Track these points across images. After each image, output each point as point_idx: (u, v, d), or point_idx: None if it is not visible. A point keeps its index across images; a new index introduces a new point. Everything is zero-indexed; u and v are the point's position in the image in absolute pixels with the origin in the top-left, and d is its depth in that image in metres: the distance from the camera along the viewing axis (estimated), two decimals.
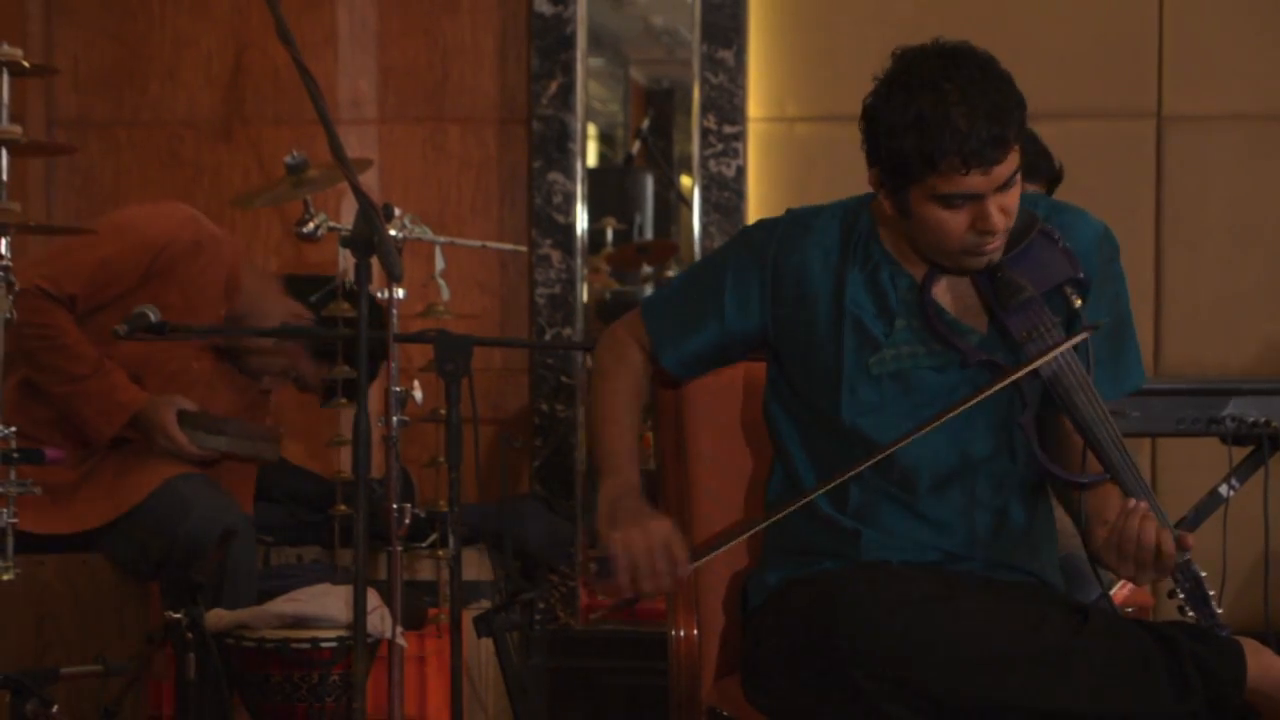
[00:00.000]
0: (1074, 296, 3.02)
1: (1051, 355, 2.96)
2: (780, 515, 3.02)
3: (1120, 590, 3.95)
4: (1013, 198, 2.95)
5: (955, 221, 2.94)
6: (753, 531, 3.06)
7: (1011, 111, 2.90)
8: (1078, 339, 2.99)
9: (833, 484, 2.99)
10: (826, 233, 3.11)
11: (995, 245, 2.97)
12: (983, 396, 2.96)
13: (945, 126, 2.86)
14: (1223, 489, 3.96)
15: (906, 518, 3.05)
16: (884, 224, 3.08)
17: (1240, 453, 4.03)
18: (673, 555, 2.96)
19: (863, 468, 2.98)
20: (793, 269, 3.09)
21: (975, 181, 2.89)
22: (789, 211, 3.17)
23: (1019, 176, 2.95)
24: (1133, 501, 2.89)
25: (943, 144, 2.86)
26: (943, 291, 3.06)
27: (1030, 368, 2.96)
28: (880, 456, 2.97)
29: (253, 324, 4.36)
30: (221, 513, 4.04)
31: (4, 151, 3.38)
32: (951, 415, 2.95)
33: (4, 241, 3.36)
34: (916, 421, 3.00)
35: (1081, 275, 3.03)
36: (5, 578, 3.35)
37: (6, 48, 3.40)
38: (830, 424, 3.06)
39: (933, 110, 2.87)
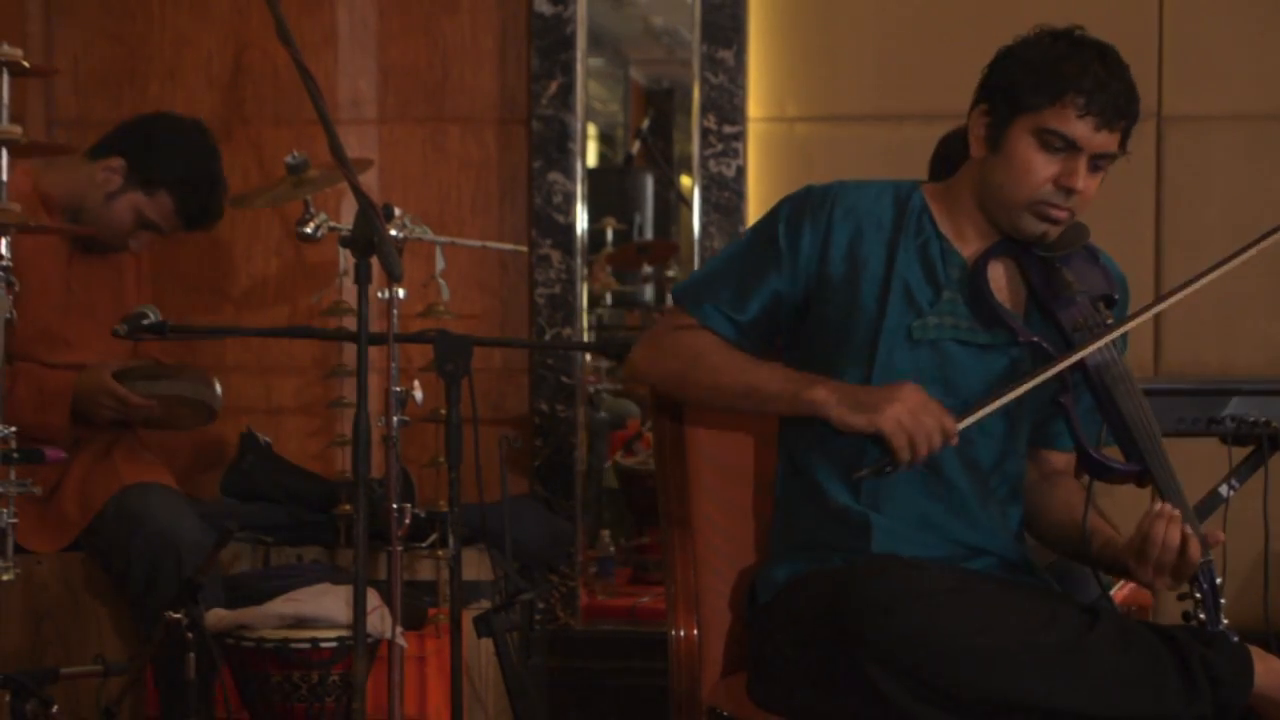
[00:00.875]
0: (1106, 314, 3.07)
1: (1107, 339, 3.00)
2: (1037, 381, 2.98)
3: (1120, 590, 3.95)
4: (1095, 184, 3.03)
5: (1045, 166, 2.99)
6: (1016, 394, 2.99)
7: (1136, 103, 3.01)
8: (1133, 323, 3.05)
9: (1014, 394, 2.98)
10: (879, 203, 3.13)
11: (1063, 214, 3.01)
12: (1039, 380, 2.98)
13: (1085, 69, 2.96)
14: (1223, 489, 3.96)
15: (928, 500, 3.05)
16: (938, 203, 3.12)
17: (1240, 453, 4.03)
18: (938, 411, 2.94)
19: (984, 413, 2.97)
20: (847, 231, 3.11)
21: (1084, 131, 2.96)
22: (838, 181, 3.18)
23: (1106, 169, 3.03)
24: (1159, 505, 2.90)
25: (1077, 81, 2.95)
26: (992, 277, 3.08)
27: (1087, 351, 2.99)
28: (975, 419, 2.98)
29: None
30: (173, 525, 4.03)
31: (4, 151, 3.38)
32: (1010, 398, 2.97)
33: (4, 241, 3.36)
34: (949, 396, 3.01)
35: (1117, 296, 3.09)
36: (4, 578, 3.35)
37: (6, 48, 3.40)
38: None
39: (1077, 54, 2.98)
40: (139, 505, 4.04)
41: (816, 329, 3.14)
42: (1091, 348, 2.98)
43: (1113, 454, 3.03)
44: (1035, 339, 3.03)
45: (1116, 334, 3.01)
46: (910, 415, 2.93)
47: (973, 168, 3.10)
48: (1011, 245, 3.10)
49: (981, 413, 2.97)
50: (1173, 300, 3.08)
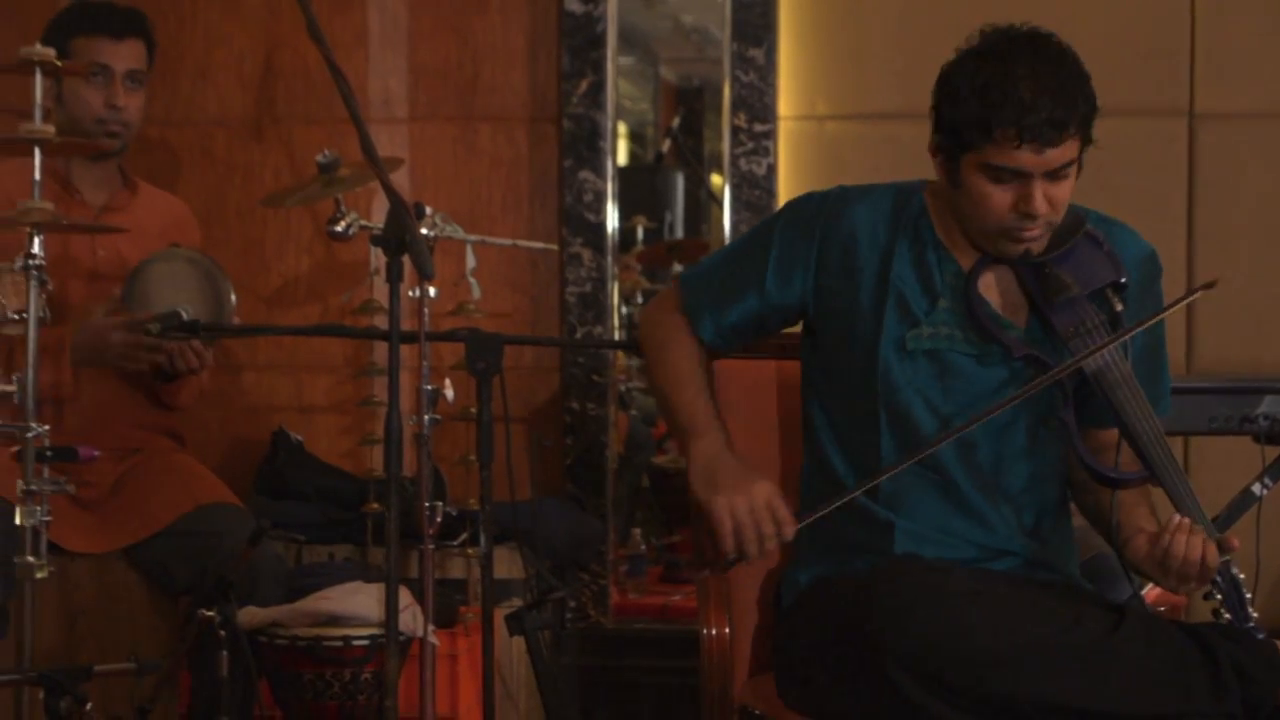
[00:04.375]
0: (1115, 299, 3.03)
1: (1100, 349, 2.97)
2: (877, 480, 2.99)
3: (1152, 590, 3.94)
4: (1062, 191, 2.96)
5: (999, 198, 2.95)
6: (852, 496, 3.00)
7: (1077, 101, 2.92)
8: (1127, 334, 3.00)
9: (907, 463, 2.98)
10: (877, 208, 3.12)
11: (1034, 233, 2.98)
12: (1032, 390, 2.96)
13: (1008, 97, 2.88)
14: (1255, 488, 3.94)
15: (943, 506, 3.05)
16: (937, 208, 3.10)
17: (1273, 451, 4.01)
18: (779, 516, 2.95)
19: (934, 447, 2.98)
20: (841, 239, 3.10)
21: (1026, 158, 2.90)
22: (840, 187, 3.17)
23: (1073, 172, 2.96)
24: (1177, 518, 2.89)
25: (1002, 113, 2.88)
26: (988, 284, 3.07)
27: (1078, 361, 2.96)
28: (929, 450, 2.97)
29: None
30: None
31: (37, 151, 3.39)
32: (1001, 409, 2.96)
33: (38, 241, 3.37)
34: (950, 404, 3.00)
35: (1124, 280, 3.04)
36: (39, 576, 3.36)
37: (39, 48, 3.41)
38: (863, 402, 3.06)
39: (999, 80, 2.90)
40: (221, 525, 4.02)
41: (821, 339, 3.15)
42: (1071, 365, 2.96)
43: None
44: (1029, 352, 3.01)
45: (1106, 346, 2.97)
46: (747, 512, 2.94)
47: (946, 195, 3.08)
48: None
49: (822, 512, 2.98)
50: (1169, 312, 3.06)
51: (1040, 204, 2.93)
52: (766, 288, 3.13)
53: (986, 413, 2.96)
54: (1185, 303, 3.07)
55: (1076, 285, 3.02)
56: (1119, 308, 3.02)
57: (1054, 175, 2.94)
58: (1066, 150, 2.93)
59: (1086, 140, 2.97)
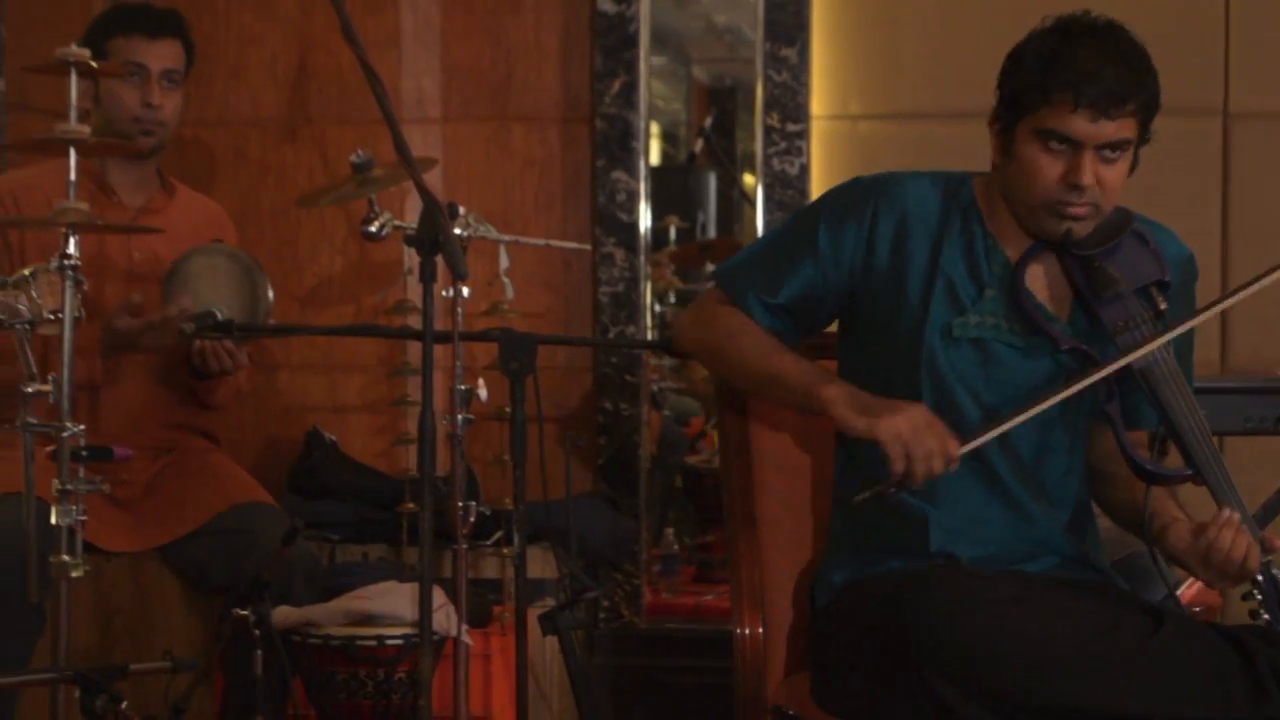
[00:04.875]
0: (1159, 297, 3.03)
1: (1153, 346, 2.96)
2: (1035, 411, 2.95)
3: (1188, 590, 3.93)
4: (1113, 173, 2.96)
5: (1050, 168, 2.95)
6: (1019, 420, 2.96)
7: (1142, 79, 2.94)
8: (1180, 330, 3.00)
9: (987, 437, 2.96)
10: (928, 196, 3.11)
11: (1080, 210, 2.97)
12: (1083, 385, 2.95)
13: (1071, 62, 2.90)
14: None
15: (984, 496, 3.04)
16: (986, 198, 3.10)
17: None
18: (941, 433, 2.91)
19: (993, 434, 2.96)
20: (892, 223, 3.09)
21: (1080, 125, 2.91)
22: (889, 173, 3.17)
23: (1126, 157, 2.96)
24: (1226, 512, 2.89)
25: (1062, 76, 2.90)
26: (1035, 277, 3.06)
27: (1133, 357, 2.95)
28: (1012, 423, 2.95)
29: None
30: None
31: (73, 151, 3.41)
32: (1051, 403, 2.95)
33: (73, 241, 3.38)
34: (993, 394, 3.00)
35: (1168, 279, 3.04)
36: (74, 575, 3.37)
37: (74, 48, 3.43)
38: (904, 390, 3.05)
39: (1065, 47, 2.92)
40: (257, 525, 4.03)
41: (865, 322, 3.14)
42: (1124, 360, 2.95)
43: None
44: (1075, 345, 3.01)
45: (1159, 343, 2.97)
46: (911, 431, 2.90)
47: (997, 174, 3.09)
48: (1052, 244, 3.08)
49: (987, 436, 2.95)
50: (1217, 309, 3.04)
51: (1088, 175, 2.93)
52: (820, 268, 3.10)
53: (1044, 402, 2.94)
54: (1262, 284, 3.02)
55: (1125, 280, 3.01)
56: (1162, 306, 3.02)
57: (1107, 152, 2.94)
58: (1122, 127, 2.93)
59: (1144, 129, 2.98)
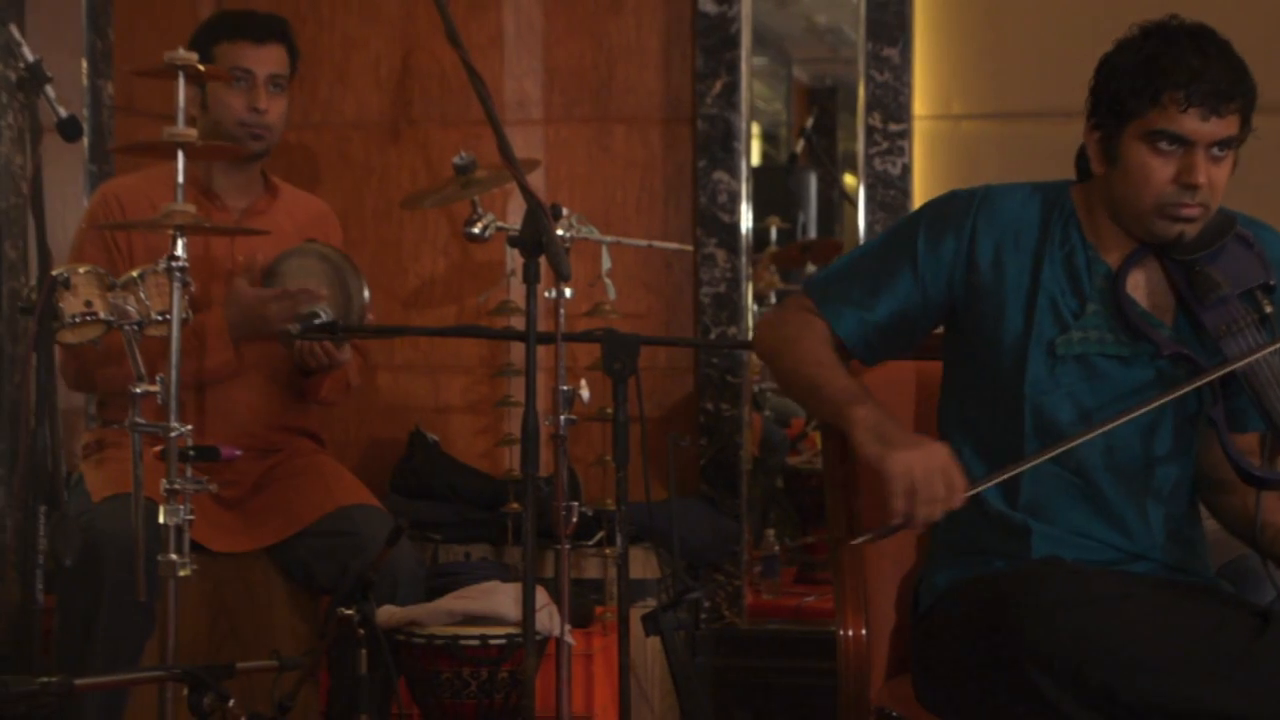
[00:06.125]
0: (1265, 301, 3.00)
1: (1260, 355, 2.93)
2: (1044, 457, 2.94)
3: None
4: (1220, 172, 2.96)
5: (1161, 170, 2.94)
6: (1023, 468, 2.96)
7: (1244, 76, 2.94)
8: (1270, 349, 2.96)
9: (1054, 452, 2.95)
10: (1026, 209, 3.10)
11: (1193, 211, 2.95)
12: (1182, 391, 2.93)
13: (1178, 62, 2.91)
14: None
15: (1083, 510, 3.03)
16: (1085, 207, 3.08)
17: None
18: (952, 480, 2.88)
19: (1076, 442, 2.94)
20: (993, 238, 3.08)
21: (1192, 124, 2.91)
22: (986, 185, 3.15)
23: (1231, 156, 2.96)
24: None
25: (1172, 77, 2.90)
26: (1136, 284, 3.05)
27: (1238, 365, 2.93)
28: (1068, 445, 2.94)
29: None
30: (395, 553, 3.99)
31: (180, 155, 3.44)
32: (1147, 410, 2.93)
33: (180, 243, 3.42)
34: (1096, 407, 2.98)
35: (1274, 282, 3.01)
36: (182, 574, 3.41)
37: (182, 52, 3.46)
38: (1007, 404, 3.04)
39: (1167, 49, 2.93)
40: (362, 526, 4.06)
41: (967, 337, 3.12)
42: (1230, 367, 2.93)
43: None
44: (1179, 350, 2.99)
45: (1267, 351, 2.94)
46: (924, 473, 2.86)
47: (1099, 183, 3.06)
48: (1154, 248, 3.05)
49: (1003, 476, 2.93)
50: None
51: (1202, 174, 2.92)
52: (919, 282, 3.10)
53: (1130, 411, 2.93)
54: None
55: (1228, 284, 2.99)
56: (1268, 309, 3.00)
57: (1215, 151, 2.93)
58: (1229, 124, 2.93)
59: (1245, 125, 2.97)
